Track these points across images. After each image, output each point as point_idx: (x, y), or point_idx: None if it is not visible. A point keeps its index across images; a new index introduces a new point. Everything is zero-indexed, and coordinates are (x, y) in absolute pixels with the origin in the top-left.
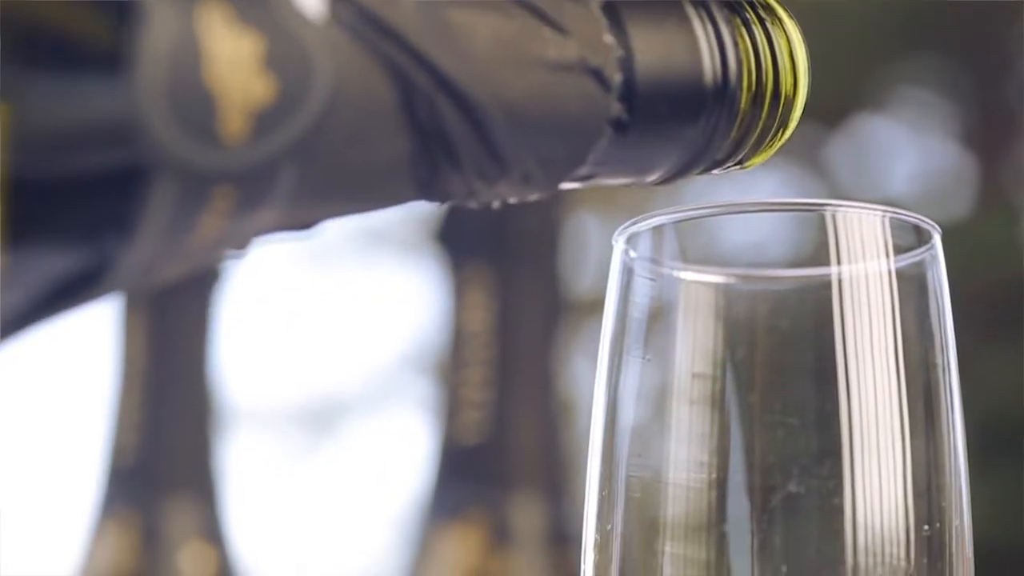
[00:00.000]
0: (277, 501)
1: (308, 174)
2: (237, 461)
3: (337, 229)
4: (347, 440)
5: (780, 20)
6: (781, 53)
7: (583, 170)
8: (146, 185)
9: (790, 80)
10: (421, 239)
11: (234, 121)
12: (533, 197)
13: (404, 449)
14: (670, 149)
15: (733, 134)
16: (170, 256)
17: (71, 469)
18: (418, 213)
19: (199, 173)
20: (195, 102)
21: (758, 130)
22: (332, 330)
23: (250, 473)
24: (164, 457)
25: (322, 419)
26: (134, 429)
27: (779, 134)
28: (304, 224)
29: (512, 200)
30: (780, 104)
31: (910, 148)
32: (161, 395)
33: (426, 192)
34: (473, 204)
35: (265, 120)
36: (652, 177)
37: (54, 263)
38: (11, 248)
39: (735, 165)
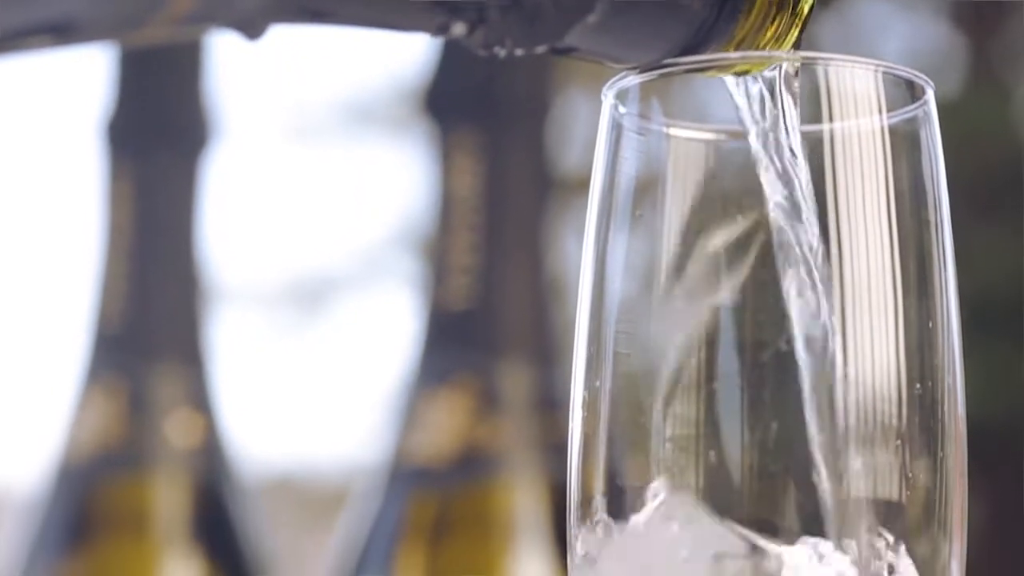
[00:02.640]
0: (265, 376)
1: None
2: (225, 337)
3: (323, 105)
4: (334, 316)
5: None
6: None
7: (590, 19)
8: None
9: None
10: (408, 114)
11: None
12: (534, 48)
13: (391, 325)
14: (669, 19)
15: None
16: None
17: (56, 336)
18: (406, 87)
19: None
20: None
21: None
22: (319, 207)
23: (238, 349)
24: (151, 324)
25: (310, 295)
26: (120, 296)
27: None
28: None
29: (515, 49)
30: None
31: (900, 27)
32: (148, 262)
33: (439, 16)
34: (478, 43)
35: None
36: (651, 53)
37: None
38: None
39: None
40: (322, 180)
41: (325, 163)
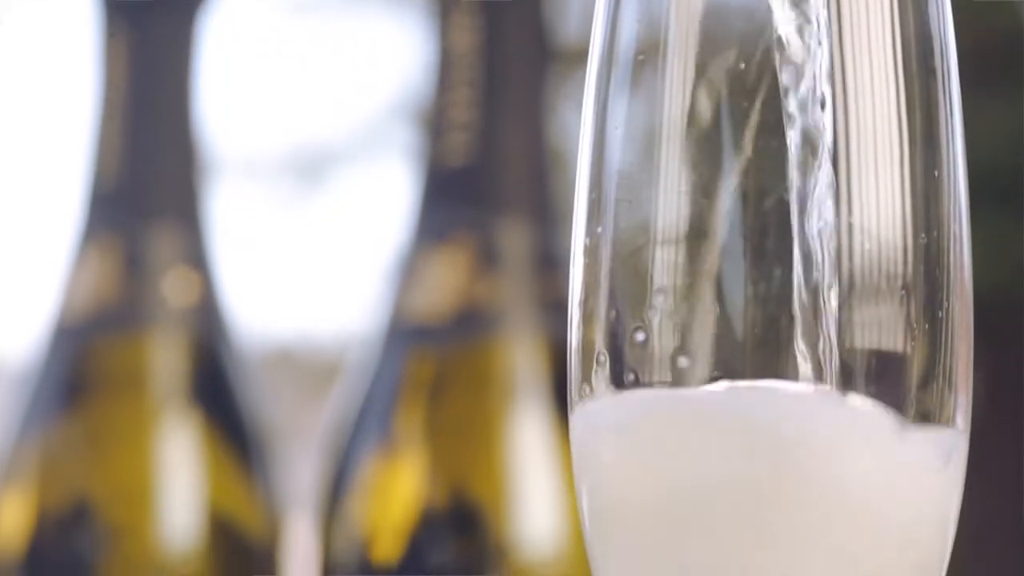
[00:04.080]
0: (264, 249)
1: None
2: (223, 208)
3: None
4: (333, 188)
5: None
6: None
7: None
8: None
9: None
10: None
11: None
12: None
13: (390, 197)
14: None
15: None
16: None
17: (51, 194)
18: None
19: None
20: None
21: None
22: (318, 78)
23: (236, 221)
24: (147, 182)
25: (308, 167)
26: (116, 155)
27: None
28: None
29: None
30: None
31: None
32: (145, 121)
33: None
34: None
35: None
36: None
37: None
38: None
39: None
40: (320, 50)
41: (323, 33)
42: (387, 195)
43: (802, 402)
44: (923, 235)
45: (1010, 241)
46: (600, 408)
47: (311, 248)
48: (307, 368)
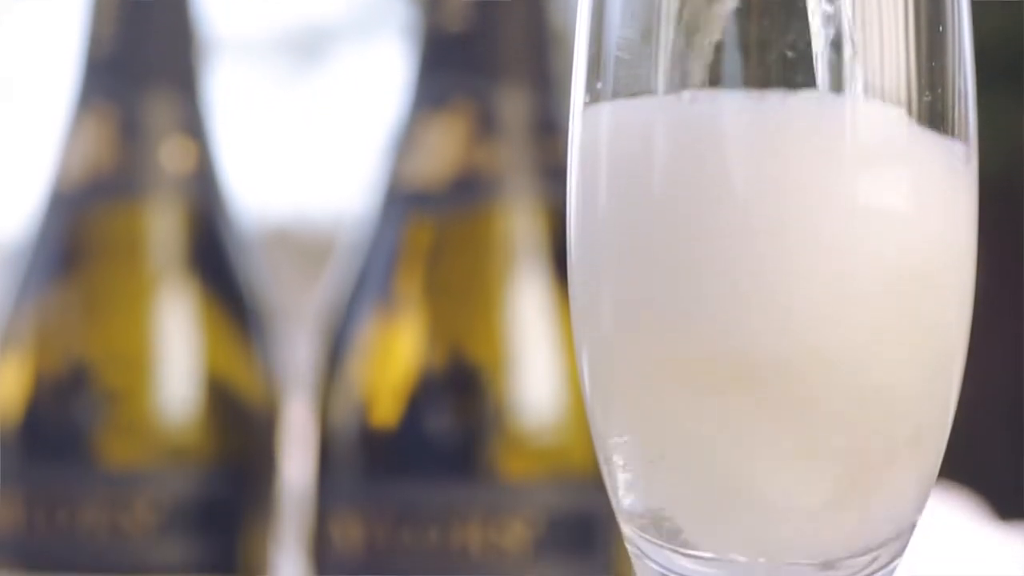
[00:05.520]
0: (261, 128)
1: None
2: (221, 86)
3: None
4: (330, 66)
5: None
6: None
7: None
8: None
9: None
10: None
11: None
12: None
13: (387, 74)
14: None
15: None
16: None
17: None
18: None
19: None
20: None
21: None
22: None
23: (233, 100)
24: (144, 50)
25: (306, 45)
26: (112, 20)
27: None
28: None
29: None
30: None
31: None
32: None
33: None
34: None
35: None
36: None
37: None
38: None
39: None
40: None
41: None
42: (384, 73)
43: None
44: (927, 93)
45: (1011, 122)
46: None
47: (309, 127)
48: (305, 248)
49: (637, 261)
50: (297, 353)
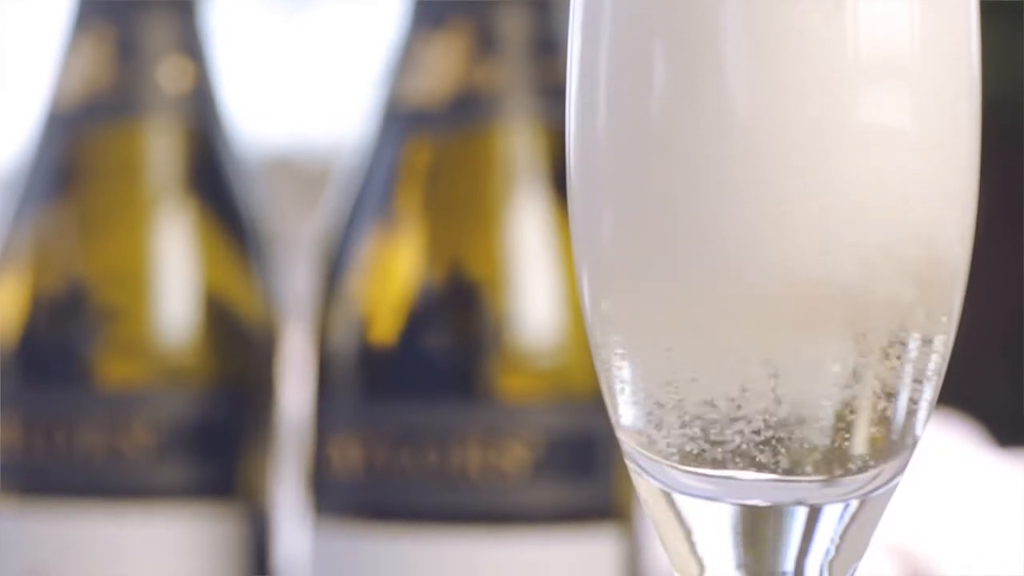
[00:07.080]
0: (260, 57)
1: None
2: (220, 11)
3: None
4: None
5: None
6: None
7: None
8: None
9: None
10: None
11: None
12: None
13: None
14: None
15: None
16: None
17: None
18: None
19: None
20: None
21: None
22: None
23: (233, 25)
24: None
25: None
26: None
27: None
28: None
29: None
30: None
31: None
32: None
33: None
34: None
35: None
36: None
37: None
38: None
39: None
40: None
41: None
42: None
43: None
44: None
45: (1011, 48)
46: None
47: (308, 55)
48: (305, 176)
49: (636, 179)
50: (296, 281)
